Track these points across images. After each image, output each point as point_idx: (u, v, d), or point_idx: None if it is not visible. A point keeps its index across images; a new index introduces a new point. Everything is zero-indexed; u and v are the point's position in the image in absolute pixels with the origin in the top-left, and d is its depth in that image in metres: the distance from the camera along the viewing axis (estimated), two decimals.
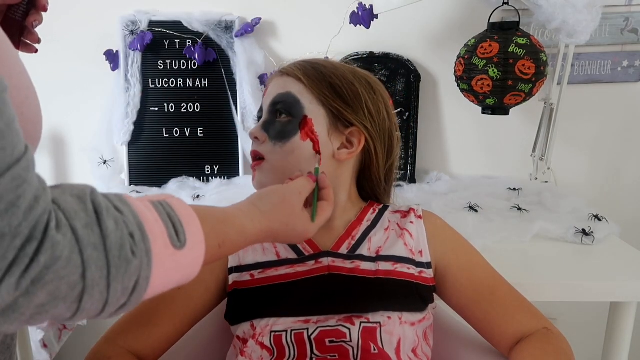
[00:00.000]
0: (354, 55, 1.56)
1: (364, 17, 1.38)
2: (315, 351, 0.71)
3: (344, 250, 0.80)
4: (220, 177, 1.59)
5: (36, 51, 0.77)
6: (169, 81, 1.57)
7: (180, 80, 1.57)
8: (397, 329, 0.74)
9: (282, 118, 0.80)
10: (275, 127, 0.80)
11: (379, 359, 0.71)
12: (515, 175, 1.57)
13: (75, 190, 0.44)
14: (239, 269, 0.80)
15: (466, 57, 1.36)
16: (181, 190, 1.51)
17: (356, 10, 1.39)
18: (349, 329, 0.72)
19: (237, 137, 1.58)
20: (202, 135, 1.59)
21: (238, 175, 1.60)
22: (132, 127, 1.56)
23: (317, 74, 0.81)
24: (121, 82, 1.54)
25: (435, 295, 0.82)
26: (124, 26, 1.53)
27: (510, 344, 0.78)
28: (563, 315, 1.48)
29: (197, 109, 1.58)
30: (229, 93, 1.57)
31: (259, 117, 0.85)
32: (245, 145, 1.57)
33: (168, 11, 1.54)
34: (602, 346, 1.07)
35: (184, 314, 0.79)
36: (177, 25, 1.53)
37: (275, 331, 0.73)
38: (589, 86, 1.59)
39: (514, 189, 1.45)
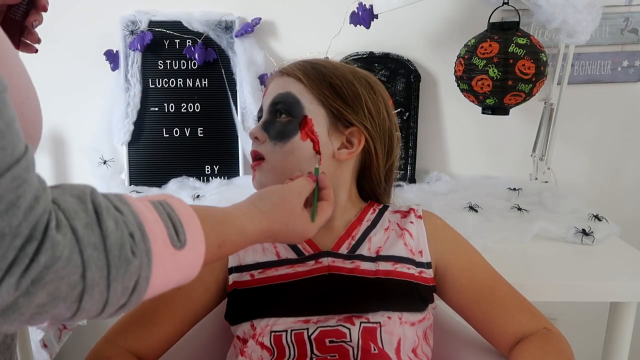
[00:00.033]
0: (354, 55, 1.56)
1: (364, 17, 1.38)
2: (315, 351, 0.71)
3: (344, 250, 0.80)
4: (220, 177, 1.59)
5: (36, 51, 0.77)
6: (169, 81, 1.57)
7: (180, 80, 1.57)
8: (397, 329, 0.74)
9: (282, 118, 0.80)
10: (275, 127, 0.80)
11: (379, 359, 0.71)
12: (515, 175, 1.57)
13: (75, 190, 0.44)
14: (239, 269, 0.80)
15: (466, 57, 1.36)
16: (181, 190, 1.51)
17: (356, 10, 1.39)
18: (349, 329, 0.72)
19: (237, 137, 1.58)
20: (202, 135, 1.59)
21: (238, 175, 1.60)
22: (132, 127, 1.56)
23: (317, 74, 0.81)
24: (121, 82, 1.54)
25: (435, 295, 0.82)
26: (124, 26, 1.53)
27: (510, 344, 0.78)
28: (563, 315, 1.48)
29: (197, 109, 1.58)
30: (229, 93, 1.57)
31: (259, 117, 0.85)
32: (245, 145, 1.57)
33: (168, 11, 1.54)
34: (602, 346, 1.07)
35: (184, 314, 0.79)
36: (177, 25, 1.53)
37: (275, 331, 0.73)
38: (589, 86, 1.59)
39: (514, 189, 1.45)
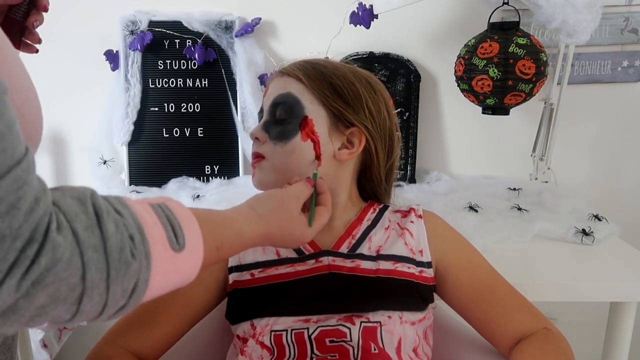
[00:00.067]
0: (354, 55, 1.56)
1: (364, 17, 1.38)
2: (315, 351, 0.71)
3: (344, 249, 0.80)
4: (220, 177, 1.59)
5: (37, 51, 0.77)
6: (169, 81, 1.57)
7: (180, 80, 1.57)
8: (398, 328, 0.74)
9: (283, 118, 0.80)
10: (275, 128, 0.80)
11: (379, 358, 0.71)
12: (515, 175, 1.57)
13: (75, 192, 0.44)
14: (239, 268, 0.80)
15: (466, 57, 1.36)
16: (181, 190, 1.51)
17: (356, 10, 1.39)
18: (349, 329, 0.72)
19: (237, 137, 1.58)
20: (202, 135, 1.59)
21: (238, 175, 1.60)
22: (132, 127, 1.56)
23: (317, 74, 0.81)
24: (121, 82, 1.54)
25: (435, 295, 0.82)
26: (124, 26, 1.53)
27: (510, 344, 0.78)
28: (563, 315, 1.48)
29: (197, 109, 1.58)
30: (229, 93, 1.57)
31: (260, 118, 0.85)
32: (245, 145, 1.57)
33: (168, 11, 1.54)
34: (602, 346, 1.07)
35: (184, 314, 0.79)
36: (177, 25, 1.53)
37: (276, 330, 0.73)
38: (589, 86, 1.59)
39: (514, 189, 1.45)
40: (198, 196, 1.44)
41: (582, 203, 1.33)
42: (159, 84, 1.57)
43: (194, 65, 1.55)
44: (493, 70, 1.30)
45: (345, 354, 0.71)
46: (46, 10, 0.74)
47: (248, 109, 1.55)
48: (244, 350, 0.74)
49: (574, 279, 1.01)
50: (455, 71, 1.42)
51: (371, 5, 1.37)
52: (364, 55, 1.55)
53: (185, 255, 0.49)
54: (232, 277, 0.80)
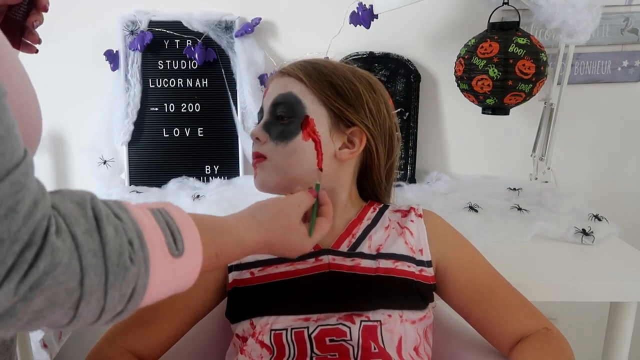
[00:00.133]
0: (354, 55, 1.56)
1: (364, 17, 1.38)
2: (315, 350, 0.71)
3: (344, 248, 0.80)
4: (220, 177, 1.59)
5: (37, 51, 0.77)
6: (169, 81, 1.57)
7: (180, 80, 1.57)
8: (398, 327, 0.74)
9: (284, 118, 0.80)
10: (276, 128, 0.80)
11: (379, 357, 0.71)
12: (515, 175, 1.57)
13: (75, 196, 0.44)
14: (239, 267, 0.80)
15: (466, 57, 1.36)
16: (181, 190, 1.51)
17: (356, 10, 1.39)
18: (349, 328, 0.72)
19: (237, 137, 1.58)
20: (202, 135, 1.59)
21: (238, 175, 1.60)
22: (132, 127, 1.56)
23: (318, 74, 0.81)
24: (121, 82, 1.54)
25: (435, 295, 0.82)
26: (124, 26, 1.53)
27: (510, 344, 0.78)
28: (563, 315, 1.48)
29: (197, 109, 1.58)
30: (229, 93, 1.57)
31: (260, 118, 0.85)
32: (245, 145, 1.57)
33: (168, 11, 1.54)
34: (602, 346, 1.07)
35: (184, 313, 0.79)
36: (177, 25, 1.53)
37: (275, 329, 0.73)
38: (588, 86, 1.59)
39: (514, 189, 1.45)
40: (198, 196, 1.44)
41: (582, 203, 1.33)
42: (159, 84, 1.57)
43: (194, 65, 1.55)
44: (493, 70, 1.30)
45: (345, 353, 0.71)
46: (46, 10, 0.74)
47: (248, 109, 1.55)
48: (244, 349, 0.74)
49: (574, 279, 1.01)
50: (455, 71, 1.42)
51: (371, 5, 1.37)
52: (364, 55, 1.55)
53: (184, 260, 0.49)
54: (232, 275, 0.80)
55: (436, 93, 1.61)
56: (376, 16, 1.38)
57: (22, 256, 0.37)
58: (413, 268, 0.78)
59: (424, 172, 1.62)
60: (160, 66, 1.56)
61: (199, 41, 1.53)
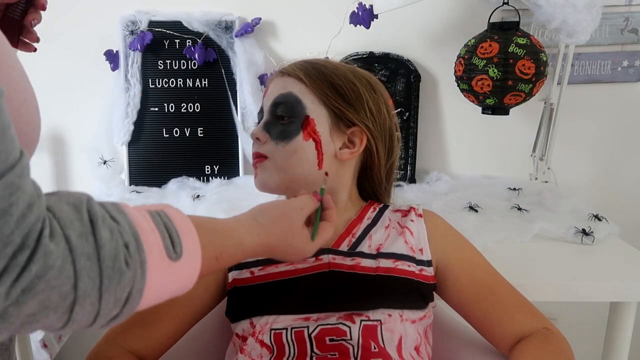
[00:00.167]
0: (354, 55, 1.56)
1: (364, 17, 1.38)
2: (315, 350, 0.71)
3: (344, 247, 0.80)
4: (220, 177, 1.59)
5: (35, 50, 0.77)
6: (169, 81, 1.57)
7: (180, 80, 1.57)
8: (398, 326, 0.74)
9: (284, 118, 0.80)
10: (277, 128, 0.80)
11: (379, 357, 0.71)
12: (515, 175, 1.57)
13: (71, 198, 0.43)
14: (239, 266, 0.80)
15: (466, 57, 1.36)
16: (181, 190, 1.51)
17: (356, 10, 1.39)
18: (349, 327, 0.72)
19: (237, 137, 1.58)
20: (202, 135, 1.59)
21: (238, 175, 1.60)
22: (132, 127, 1.56)
23: (318, 74, 0.81)
24: (121, 82, 1.54)
25: (435, 295, 0.82)
26: (124, 26, 1.53)
27: (510, 344, 0.78)
28: (563, 315, 1.48)
29: (197, 109, 1.58)
30: (229, 93, 1.56)
31: (260, 118, 0.85)
32: (245, 145, 1.57)
33: (168, 11, 1.54)
34: (602, 346, 1.07)
35: (184, 313, 0.79)
36: (177, 25, 1.53)
37: (275, 329, 0.73)
38: (588, 86, 1.59)
39: (514, 189, 1.45)
40: (198, 196, 1.44)
41: (582, 203, 1.33)
42: (159, 84, 1.57)
43: (194, 65, 1.55)
44: (493, 70, 1.30)
45: (345, 352, 0.71)
46: (44, 8, 0.74)
47: (248, 109, 1.55)
48: (244, 348, 0.74)
49: (574, 279, 1.01)
50: (455, 71, 1.42)
51: (371, 5, 1.37)
52: (364, 55, 1.55)
53: (182, 264, 0.48)
54: (232, 275, 0.80)
55: (436, 93, 1.61)
56: (376, 16, 1.38)
57: (14, 259, 0.36)
58: (413, 267, 0.78)
59: (424, 172, 1.62)
60: (160, 66, 1.56)
61: (199, 41, 1.53)
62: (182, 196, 1.45)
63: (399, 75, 1.56)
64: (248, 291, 0.78)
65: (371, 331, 0.72)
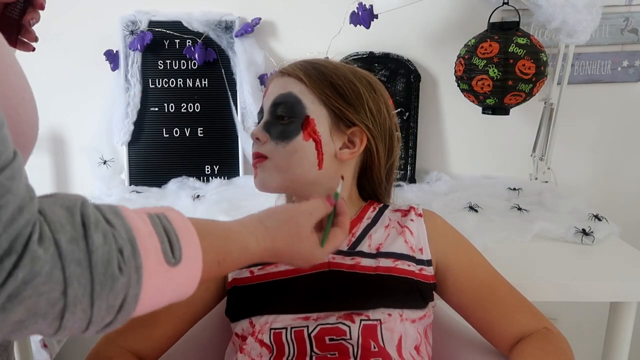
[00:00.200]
0: (354, 55, 1.56)
1: (364, 17, 1.38)
2: (315, 349, 0.71)
3: (344, 246, 0.80)
4: (220, 177, 1.59)
5: (34, 50, 0.77)
6: (169, 81, 1.57)
7: (180, 80, 1.57)
8: (398, 326, 0.74)
9: (284, 118, 0.80)
10: (277, 128, 0.80)
11: (379, 356, 0.71)
12: (515, 175, 1.57)
13: (66, 201, 0.42)
14: None
15: (466, 57, 1.36)
16: (181, 190, 1.51)
17: (356, 10, 1.39)
18: (349, 327, 0.72)
19: (237, 137, 1.58)
20: (202, 135, 1.59)
21: (238, 175, 1.60)
22: (132, 127, 1.56)
23: (318, 74, 0.81)
24: (121, 82, 1.54)
25: (434, 294, 0.82)
26: (124, 26, 1.53)
27: (510, 344, 0.78)
28: (563, 315, 1.48)
29: (197, 109, 1.58)
30: (229, 93, 1.57)
31: (260, 118, 0.85)
32: (245, 145, 1.57)
33: (168, 11, 1.54)
34: (602, 346, 1.07)
35: (184, 313, 0.79)
36: (177, 25, 1.53)
37: (275, 328, 0.73)
38: (588, 86, 1.59)
39: (514, 189, 1.45)
40: (198, 196, 1.44)
41: (582, 203, 1.33)
42: (159, 84, 1.57)
43: (194, 65, 1.55)
44: (493, 70, 1.30)
45: (345, 352, 0.71)
46: (42, 8, 0.74)
47: (248, 109, 1.55)
48: (243, 348, 0.74)
49: (574, 279, 1.00)
50: (455, 71, 1.42)
51: (371, 5, 1.37)
52: (364, 55, 1.55)
53: (181, 269, 0.46)
54: (232, 274, 0.80)
55: (436, 93, 1.61)
56: (376, 16, 1.38)
57: (0, 264, 0.35)
58: (413, 267, 0.78)
59: (424, 172, 1.62)
60: (160, 66, 1.56)
61: (199, 41, 1.53)
62: (182, 196, 1.45)
63: (399, 75, 1.56)
64: (248, 291, 0.78)
65: (371, 331, 0.72)
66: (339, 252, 0.79)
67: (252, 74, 1.53)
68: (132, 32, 1.53)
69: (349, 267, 0.77)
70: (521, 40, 1.30)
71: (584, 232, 1.13)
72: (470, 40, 1.38)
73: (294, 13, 1.56)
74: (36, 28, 0.76)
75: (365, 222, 0.84)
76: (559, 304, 1.15)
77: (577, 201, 1.34)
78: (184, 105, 1.57)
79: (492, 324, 0.79)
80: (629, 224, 1.29)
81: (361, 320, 0.73)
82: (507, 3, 1.36)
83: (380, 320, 0.73)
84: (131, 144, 1.58)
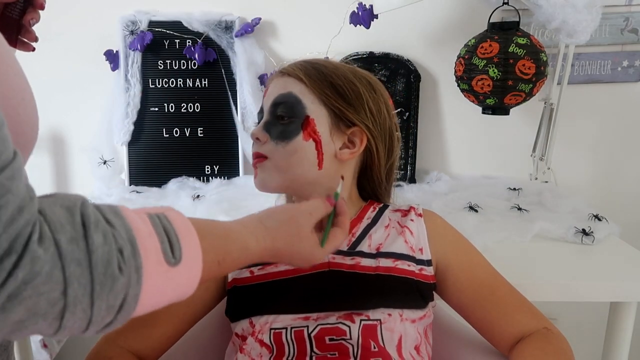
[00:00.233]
0: (354, 55, 1.56)
1: (364, 17, 1.38)
2: (315, 349, 0.71)
3: (344, 246, 0.80)
4: (220, 177, 1.59)
5: (34, 49, 0.77)
6: (169, 81, 1.57)
7: (180, 80, 1.57)
8: (398, 326, 0.74)
9: (284, 118, 0.80)
10: (277, 128, 0.80)
11: (379, 356, 0.71)
12: (515, 175, 1.57)
13: (66, 201, 0.42)
14: None
15: (466, 57, 1.36)
16: (181, 190, 1.51)
17: (356, 10, 1.39)
18: (349, 327, 0.72)
19: (237, 137, 1.58)
20: (202, 135, 1.59)
21: (238, 175, 1.60)
22: (132, 127, 1.56)
23: (318, 74, 0.81)
24: (121, 82, 1.54)
25: (434, 294, 0.82)
26: (124, 26, 1.53)
27: (510, 344, 0.78)
28: (563, 315, 1.48)
29: (197, 109, 1.58)
30: (229, 93, 1.57)
31: (260, 118, 0.85)
32: (245, 145, 1.57)
33: (168, 11, 1.54)
34: (602, 346, 1.07)
35: (184, 313, 0.79)
36: (177, 25, 1.53)
37: (275, 328, 0.73)
38: (588, 86, 1.59)
39: (514, 189, 1.45)
40: (198, 196, 1.44)
41: (582, 203, 1.33)
42: (159, 84, 1.57)
43: (194, 65, 1.55)
44: (493, 70, 1.30)
45: (345, 352, 0.71)
46: (42, 8, 0.74)
47: (248, 109, 1.55)
48: (243, 348, 0.74)
49: (574, 279, 1.01)
50: (455, 71, 1.42)
51: (371, 5, 1.37)
52: (364, 55, 1.55)
53: (181, 269, 0.46)
54: (232, 274, 0.80)
55: (436, 93, 1.61)
56: (376, 16, 1.38)
57: (0, 264, 0.35)
58: (413, 267, 0.78)
59: (424, 172, 1.62)
60: (160, 66, 1.56)
61: (199, 41, 1.53)
62: (182, 196, 1.45)
63: (399, 75, 1.56)
64: (248, 291, 0.78)
65: (371, 331, 0.72)
66: (339, 252, 0.79)
67: (252, 74, 1.53)
68: (132, 32, 1.53)
69: (349, 267, 0.77)
70: (521, 40, 1.30)
71: (584, 232, 1.13)
72: (470, 40, 1.38)
73: (294, 13, 1.56)
74: (36, 28, 0.76)
75: (365, 222, 0.84)
76: (559, 304, 1.15)
77: (577, 201, 1.34)
78: (184, 105, 1.57)
79: (492, 324, 0.79)
80: (629, 224, 1.29)
81: (361, 320, 0.73)
82: (507, 3, 1.36)
83: (380, 320, 0.73)
84: (131, 144, 1.58)
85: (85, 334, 0.43)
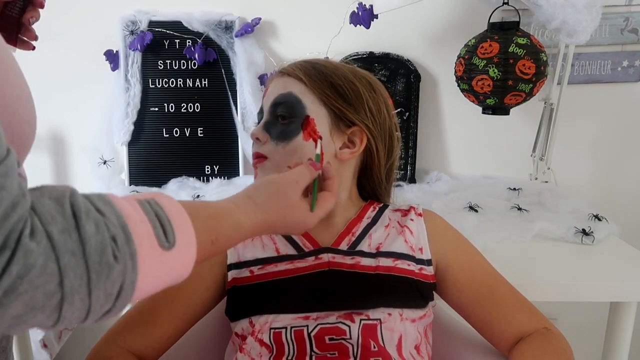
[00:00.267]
0: (354, 55, 1.56)
1: (364, 17, 1.38)
2: (314, 349, 0.71)
3: (344, 246, 0.80)
4: (220, 177, 1.59)
5: (34, 48, 0.77)
6: (169, 81, 1.57)
7: (180, 80, 1.57)
8: (398, 325, 0.74)
9: (284, 118, 0.80)
10: (277, 128, 0.80)
11: (379, 356, 0.71)
12: (515, 175, 1.57)
13: (55, 192, 0.41)
14: (238, 265, 0.80)
15: (466, 57, 1.36)
16: (181, 190, 1.51)
17: (356, 10, 1.39)
18: (349, 327, 0.72)
19: (237, 137, 1.58)
20: (202, 135, 1.59)
21: (238, 175, 1.60)
22: (132, 127, 1.56)
23: (318, 74, 0.81)
24: (121, 82, 1.54)
25: (434, 294, 0.82)
26: (124, 26, 1.53)
27: (510, 344, 0.78)
28: (563, 315, 1.48)
29: (197, 109, 1.58)
30: (229, 93, 1.57)
31: (260, 118, 0.85)
32: (245, 145, 1.57)
33: (168, 11, 1.54)
34: (602, 346, 1.07)
35: (184, 313, 0.79)
36: (177, 25, 1.53)
37: (275, 328, 0.73)
38: (588, 86, 1.59)
39: (514, 189, 1.45)
40: (198, 196, 1.44)
41: (582, 203, 1.33)
42: (159, 84, 1.57)
43: (194, 65, 1.55)
44: (493, 70, 1.30)
45: (344, 352, 0.71)
46: (42, 6, 0.74)
47: (248, 109, 1.55)
48: (243, 347, 0.74)
49: (574, 279, 1.01)
50: (455, 71, 1.42)
51: (371, 5, 1.37)
52: (364, 55, 1.55)
53: (175, 252, 0.47)
54: (231, 274, 0.80)
55: (436, 93, 1.61)
56: (376, 16, 1.38)
57: None
58: (413, 266, 0.78)
59: (424, 172, 1.62)
60: (160, 66, 1.56)
61: (199, 41, 1.53)
62: (182, 196, 1.45)
63: (399, 75, 1.56)
64: (247, 290, 0.78)
65: (371, 330, 0.72)
66: (339, 252, 0.79)
67: (252, 74, 1.53)
68: (132, 32, 1.53)
69: (349, 266, 0.77)
70: (521, 40, 1.30)
71: (584, 232, 1.13)
72: (470, 40, 1.38)
73: (294, 13, 1.56)
74: (36, 28, 0.76)
75: (365, 221, 0.84)
76: (559, 304, 1.15)
77: (577, 201, 1.34)
78: (184, 105, 1.57)
79: (492, 323, 0.79)
80: (629, 224, 1.29)
81: (361, 319, 0.73)
82: (507, 3, 1.36)
83: (380, 319, 0.73)
84: (131, 144, 1.58)
85: (85, 324, 0.43)
